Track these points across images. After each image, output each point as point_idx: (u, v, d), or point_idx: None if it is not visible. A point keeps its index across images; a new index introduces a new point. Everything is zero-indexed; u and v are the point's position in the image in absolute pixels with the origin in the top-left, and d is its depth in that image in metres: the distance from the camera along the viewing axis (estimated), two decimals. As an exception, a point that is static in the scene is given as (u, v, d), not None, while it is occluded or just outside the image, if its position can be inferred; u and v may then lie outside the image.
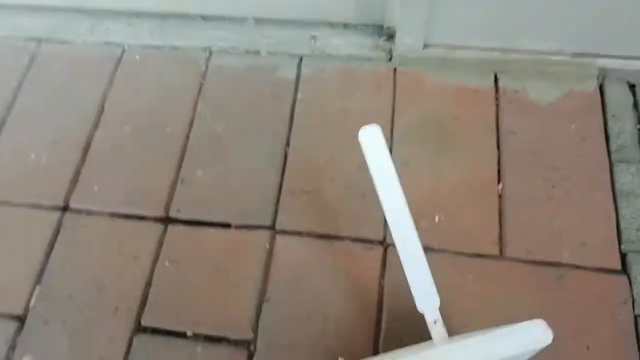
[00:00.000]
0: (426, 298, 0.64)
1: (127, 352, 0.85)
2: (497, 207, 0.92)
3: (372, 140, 0.65)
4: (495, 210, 0.92)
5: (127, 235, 0.94)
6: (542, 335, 0.57)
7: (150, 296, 0.89)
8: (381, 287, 0.88)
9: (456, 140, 0.98)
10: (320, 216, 0.94)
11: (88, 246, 0.94)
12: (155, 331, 0.87)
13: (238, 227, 0.94)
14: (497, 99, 1.02)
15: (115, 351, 0.85)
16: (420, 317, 0.87)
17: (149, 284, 0.90)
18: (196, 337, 0.86)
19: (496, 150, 0.97)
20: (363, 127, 0.65)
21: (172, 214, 0.95)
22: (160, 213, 0.96)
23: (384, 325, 0.85)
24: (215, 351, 0.85)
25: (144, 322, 0.88)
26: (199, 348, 0.85)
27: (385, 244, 0.91)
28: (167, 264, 0.91)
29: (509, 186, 0.94)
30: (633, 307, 0.83)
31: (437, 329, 0.63)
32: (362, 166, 0.98)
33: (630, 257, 0.87)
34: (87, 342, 0.86)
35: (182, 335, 0.86)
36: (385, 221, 0.92)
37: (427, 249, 0.88)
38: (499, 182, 0.94)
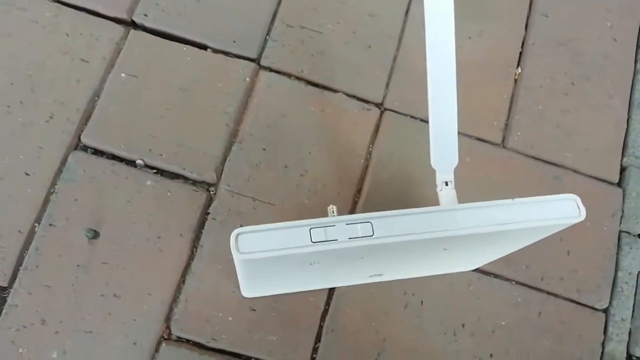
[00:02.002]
0: (445, 154, 0.54)
1: (60, 170, 0.71)
2: (511, 92, 0.83)
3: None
4: (508, 95, 0.82)
5: (77, 32, 0.76)
6: (574, 211, 0.50)
7: (97, 110, 0.74)
8: (369, 152, 0.78)
9: (488, 10, 0.85)
10: (316, 60, 0.80)
11: (24, 34, 0.75)
12: (98, 152, 0.73)
13: (216, 51, 0.78)
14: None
15: (45, 166, 0.71)
16: (408, 191, 0.80)
17: (97, 94, 0.74)
18: (147, 168, 0.73)
19: (524, 30, 0.86)
20: None
21: (138, 18, 0.78)
22: (122, 14, 0.77)
23: (364, 192, 0.75)
24: (168, 188, 0.72)
25: (84, 139, 0.73)
26: (149, 181, 0.72)
27: (383, 108, 0.79)
28: (123, 75, 0.75)
29: (528, 72, 0.84)
30: (620, 221, 0.80)
31: (447, 192, 0.54)
32: (375, 14, 0.86)
33: (630, 172, 0.82)
34: (11, 150, 0.71)
35: (130, 163, 0.73)
36: (388, 83, 0.82)
37: (427, 120, 0.81)
38: (518, 66, 0.84)
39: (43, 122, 0.72)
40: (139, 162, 0.73)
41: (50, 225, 0.69)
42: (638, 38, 0.88)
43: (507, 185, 0.79)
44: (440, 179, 0.55)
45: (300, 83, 0.78)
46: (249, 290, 0.68)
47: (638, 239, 0.80)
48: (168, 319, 0.68)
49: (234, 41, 0.79)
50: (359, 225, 0.46)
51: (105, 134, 0.73)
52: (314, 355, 0.70)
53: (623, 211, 0.80)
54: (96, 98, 0.74)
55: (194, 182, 0.73)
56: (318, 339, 0.70)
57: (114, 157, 0.73)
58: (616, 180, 0.81)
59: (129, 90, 0.75)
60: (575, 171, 0.81)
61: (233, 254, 0.45)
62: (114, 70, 0.75)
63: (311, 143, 0.76)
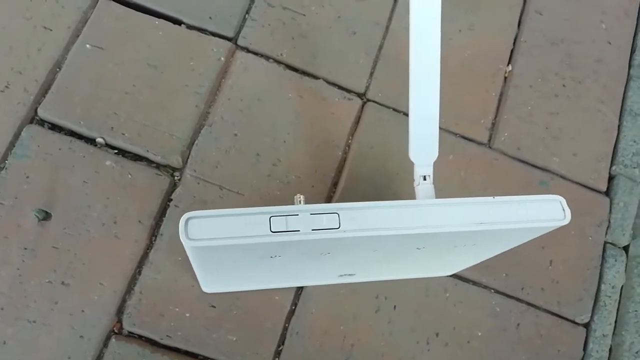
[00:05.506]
0: (424, 147, 0.50)
1: (12, 144, 0.66)
2: (500, 90, 0.79)
3: None
4: (496, 93, 0.78)
5: (39, -3, 0.71)
6: (559, 214, 0.46)
7: (57, 82, 0.68)
8: (348, 145, 0.73)
9: (481, 2, 0.81)
10: (297, 44, 0.75)
11: (-20, -5, 0.70)
12: (55, 127, 0.67)
13: (191, 27, 0.73)
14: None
15: (-4, 139, 0.66)
16: (387, 187, 0.75)
17: (58, 65, 0.69)
18: (108, 147, 0.68)
19: (516, 27, 0.82)
20: None
21: (107, -14, 0.73)
22: (90, -20, 0.73)
23: (340, 186, 0.71)
24: (129, 170, 0.67)
25: (41, 113, 0.67)
26: (109, 162, 0.67)
27: (365, 99, 0.75)
28: (88, 46, 0.70)
29: (518, 71, 0.80)
30: (606, 232, 0.76)
31: (425, 187, 0.50)
32: (362, -1, 0.81)
33: (618, 181, 0.78)
34: (-41, 119, 0.66)
35: (89, 140, 0.67)
36: (372, 73, 0.77)
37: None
38: (508, 63, 0.80)
39: (-4, 91, 0.67)
40: (99, 140, 0.67)
41: (-3, 203, 0.64)
42: (633, 43, 0.85)
43: (491, 188, 0.75)
44: (418, 172, 0.51)
45: (278, 66, 0.74)
46: (209, 285, 0.63)
47: (623, 251, 0.77)
48: (120, 311, 0.63)
49: (210, 17, 0.74)
50: (324, 216, 0.41)
51: (65, 108, 0.67)
52: (277, 359, 0.65)
53: (609, 222, 0.77)
54: (57, 69, 0.69)
55: (158, 166, 0.68)
56: (282, 341, 0.65)
57: (72, 133, 0.67)
58: (604, 189, 0.78)
59: (93, 63, 0.69)
60: (562, 177, 0.77)
61: (182, 240, 0.40)
62: (78, 40, 0.70)
63: (286, 131, 0.72)
